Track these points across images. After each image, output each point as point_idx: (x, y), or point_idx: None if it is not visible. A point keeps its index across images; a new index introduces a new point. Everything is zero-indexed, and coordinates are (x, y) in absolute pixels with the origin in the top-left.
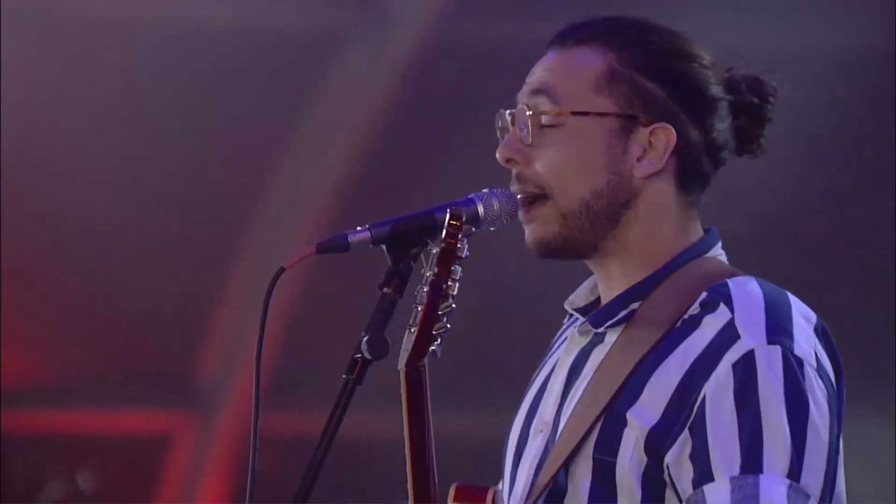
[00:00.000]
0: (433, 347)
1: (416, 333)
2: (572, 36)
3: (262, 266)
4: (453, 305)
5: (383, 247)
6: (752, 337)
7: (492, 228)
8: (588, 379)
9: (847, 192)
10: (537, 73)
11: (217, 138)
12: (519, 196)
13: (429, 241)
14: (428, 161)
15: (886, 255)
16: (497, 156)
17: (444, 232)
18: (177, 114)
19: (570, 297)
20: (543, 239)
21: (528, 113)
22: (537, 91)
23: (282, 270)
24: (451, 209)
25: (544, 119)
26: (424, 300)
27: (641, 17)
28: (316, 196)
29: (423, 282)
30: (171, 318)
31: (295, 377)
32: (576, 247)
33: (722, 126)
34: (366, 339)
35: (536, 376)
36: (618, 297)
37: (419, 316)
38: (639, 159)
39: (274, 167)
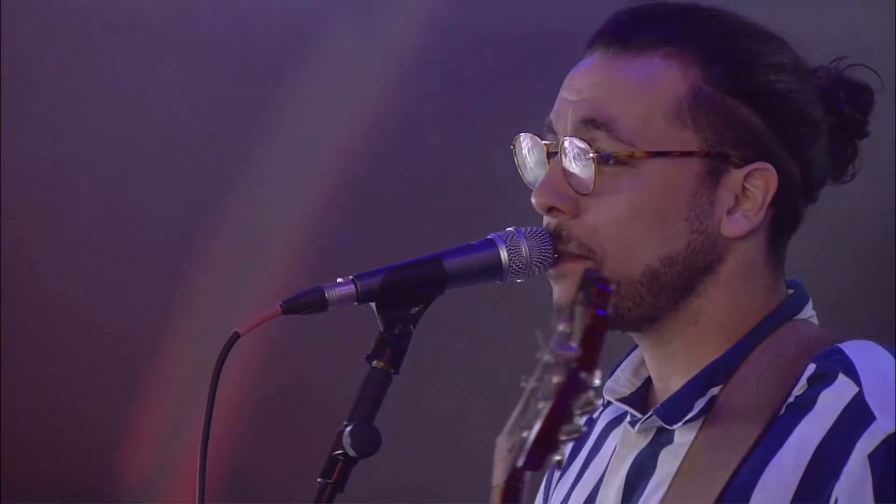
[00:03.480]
0: (558, 457)
1: (535, 437)
2: (634, 36)
3: (210, 332)
4: (598, 403)
5: (372, 305)
6: (891, 416)
7: (519, 280)
8: (663, 491)
9: (845, 190)
10: (586, 91)
11: (156, 155)
12: (555, 255)
13: (434, 299)
14: (429, 184)
15: (886, 250)
16: (533, 201)
17: (589, 300)
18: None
19: (609, 383)
20: None
21: (589, 154)
22: (591, 121)
23: (236, 337)
24: (592, 273)
25: (602, 157)
26: (553, 394)
27: (717, 5)
28: (282, 233)
29: (544, 367)
30: (88, 403)
31: (252, 479)
32: (628, 318)
33: (823, 156)
34: (349, 429)
35: (568, 477)
36: (691, 382)
37: (544, 414)
38: (729, 212)
39: (227, 193)
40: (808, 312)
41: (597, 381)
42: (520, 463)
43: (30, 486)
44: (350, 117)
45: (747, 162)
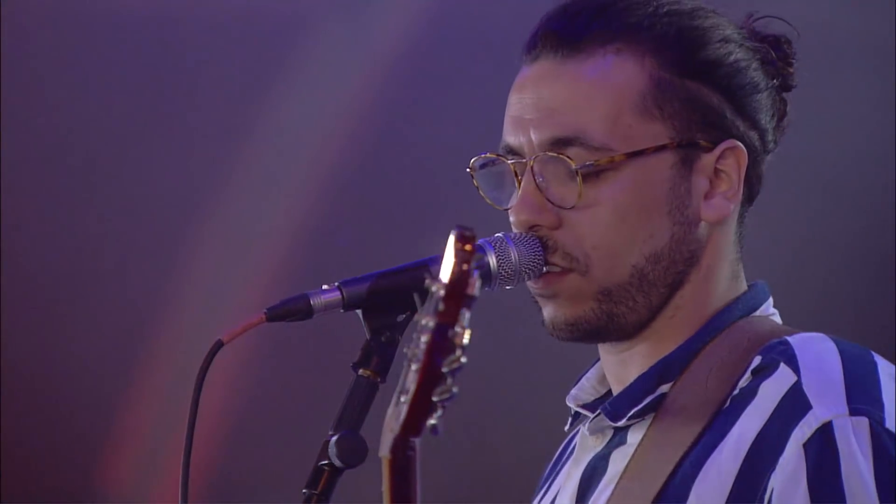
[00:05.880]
0: (433, 421)
1: (408, 401)
2: (581, 35)
3: (196, 338)
4: (463, 361)
5: (358, 313)
6: (827, 405)
7: (508, 287)
8: (610, 490)
9: (843, 187)
10: (545, 106)
11: (134, 153)
12: (545, 268)
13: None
14: (419, 188)
15: (886, 247)
16: (513, 219)
17: (452, 258)
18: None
19: (574, 391)
20: (579, 319)
21: (572, 168)
22: (559, 140)
23: (220, 345)
24: (459, 229)
25: (584, 169)
26: (422, 354)
27: None
28: (268, 239)
29: (419, 330)
30: (74, 408)
31: (236, 486)
32: (624, 327)
33: (771, 118)
34: (335, 439)
35: (539, 495)
36: (641, 378)
37: (415, 376)
38: (707, 196)
39: (212, 197)
40: (768, 311)
41: (465, 340)
42: (400, 430)
43: (24, 490)
44: (339, 120)
45: (715, 143)
